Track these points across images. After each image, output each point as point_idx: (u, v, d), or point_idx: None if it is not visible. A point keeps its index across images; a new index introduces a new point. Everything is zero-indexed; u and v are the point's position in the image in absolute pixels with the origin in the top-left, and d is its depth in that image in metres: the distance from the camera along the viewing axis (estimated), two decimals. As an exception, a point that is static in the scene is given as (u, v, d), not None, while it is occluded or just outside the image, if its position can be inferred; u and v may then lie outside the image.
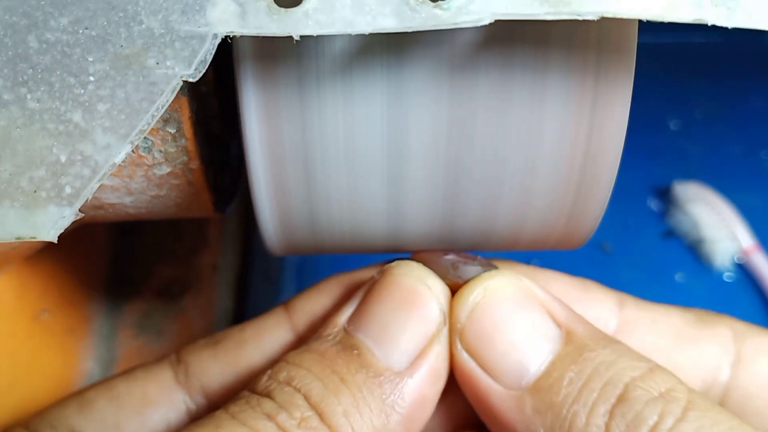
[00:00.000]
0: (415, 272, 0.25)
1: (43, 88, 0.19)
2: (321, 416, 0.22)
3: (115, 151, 0.19)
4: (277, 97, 0.22)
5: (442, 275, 0.25)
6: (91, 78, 0.19)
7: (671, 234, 0.57)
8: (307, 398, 0.22)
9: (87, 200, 0.19)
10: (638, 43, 0.22)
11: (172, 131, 0.24)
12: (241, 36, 0.18)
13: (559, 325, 0.24)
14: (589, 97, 0.22)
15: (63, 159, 0.19)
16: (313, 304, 0.27)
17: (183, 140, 0.24)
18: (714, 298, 0.54)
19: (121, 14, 0.19)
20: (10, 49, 0.19)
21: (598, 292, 0.27)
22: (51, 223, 0.19)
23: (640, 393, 0.21)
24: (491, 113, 0.22)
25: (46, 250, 0.33)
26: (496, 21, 0.18)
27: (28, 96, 0.19)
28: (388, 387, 0.23)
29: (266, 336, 0.27)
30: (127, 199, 0.26)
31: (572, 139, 0.23)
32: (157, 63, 0.19)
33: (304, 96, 0.22)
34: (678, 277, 0.55)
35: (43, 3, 0.19)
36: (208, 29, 0.18)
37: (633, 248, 0.56)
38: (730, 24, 0.18)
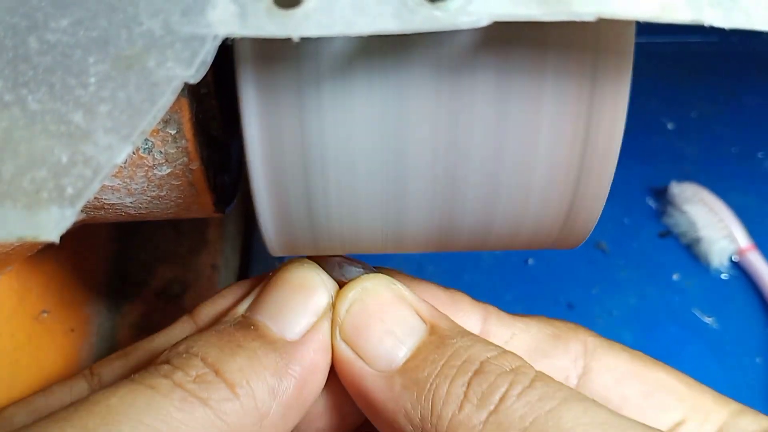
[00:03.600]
0: (306, 265, 0.28)
1: (44, 89, 0.19)
2: (217, 372, 0.24)
3: (116, 151, 0.19)
4: (277, 98, 0.22)
5: (329, 272, 0.28)
6: (92, 79, 0.19)
7: (668, 234, 0.57)
8: (203, 360, 0.24)
9: (88, 201, 0.19)
10: (635, 44, 0.22)
11: (173, 132, 0.24)
12: (241, 37, 0.19)
13: (424, 320, 0.27)
14: (586, 98, 0.22)
15: (64, 160, 0.19)
16: (216, 307, 0.30)
17: (183, 141, 0.24)
18: (711, 297, 0.55)
19: (122, 15, 0.19)
20: (11, 51, 0.19)
21: (465, 304, 0.30)
22: (53, 224, 0.19)
23: (494, 368, 0.24)
24: (490, 113, 0.22)
25: (46, 250, 0.33)
26: (495, 22, 0.18)
27: (30, 97, 0.19)
28: (281, 352, 0.25)
29: (173, 342, 0.27)
30: (128, 200, 0.26)
31: (570, 140, 0.23)
32: (158, 64, 0.19)
33: (303, 97, 0.22)
34: (675, 276, 0.55)
35: (43, 4, 0.19)
36: (209, 30, 0.18)
37: (630, 248, 0.57)
38: (727, 25, 0.18)
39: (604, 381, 0.28)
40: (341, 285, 0.28)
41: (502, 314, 0.30)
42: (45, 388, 0.29)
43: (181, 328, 0.29)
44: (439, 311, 0.28)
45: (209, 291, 0.42)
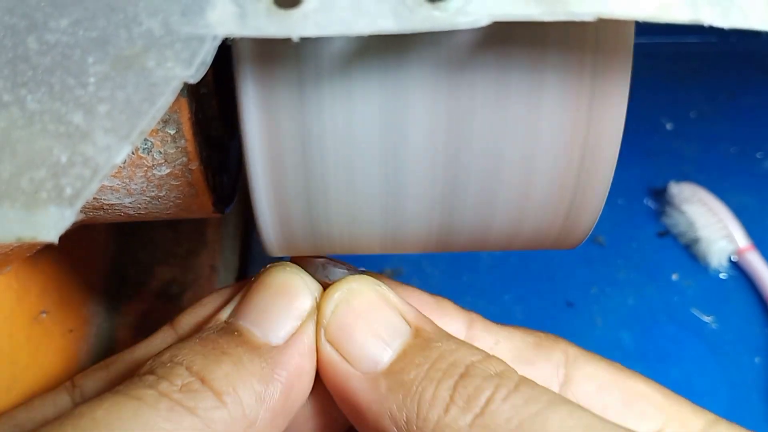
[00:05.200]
0: (289, 268, 0.28)
1: (43, 90, 0.19)
2: (203, 381, 0.24)
3: (115, 152, 0.19)
4: (276, 98, 0.22)
5: (313, 273, 0.28)
6: (92, 79, 0.19)
7: (667, 233, 0.57)
8: (188, 368, 0.24)
9: (87, 201, 0.19)
10: (634, 44, 0.22)
11: (172, 132, 0.24)
12: (240, 37, 0.19)
13: (408, 323, 0.27)
14: (586, 98, 0.22)
15: (63, 160, 0.19)
16: (197, 316, 0.29)
17: (182, 141, 0.24)
18: (709, 297, 0.55)
19: (121, 16, 0.19)
20: (10, 51, 0.19)
21: (450, 310, 0.30)
22: (51, 224, 0.19)
23: (479, 371, 0.25)
24: (489, 113, 0.22)
25: (45, 251, 0.33)
26: (494, 22, 0.18)
27: (29, 97, 0.19)
28: (266, 357, 0.25)
29: (155, 352, 0.27)
30: (127, 200, 0.26)
31: (569, 139, 0.23)
32: (157, 64, 0.19)
33: (303, 97, 0.22)
34: (674, 276, 0.55)
35: (43, 4, 0.19)
36: (208, 30, 0.18)
37: (629, 248, 0.57)
38: (725, 24, 0.18)
39: (585, 389, 0.29)
40: (325, 287, 0.27)
41: (487, 322, 0.30)
42: (26, 402, 0.29)
43: (162, 338, 0.29)
44: (423, 315, 0.28)
45: (208, 292, 0.42)
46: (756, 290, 0.54)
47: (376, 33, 0.18)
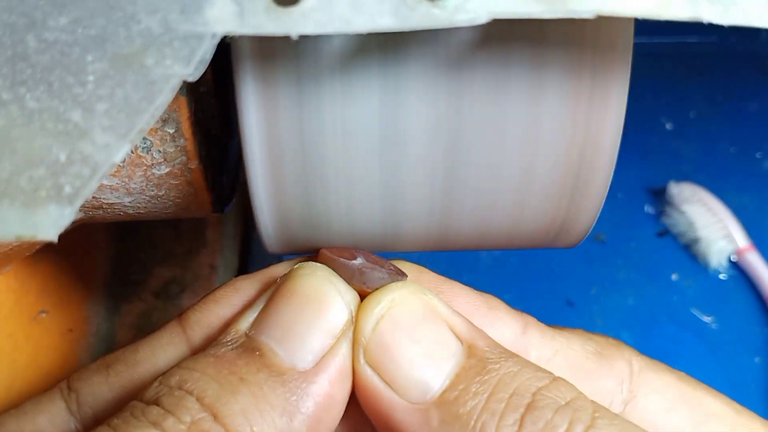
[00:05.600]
0: (320, 272, 0.24)
1: (42, 88, 0.19)
2: (215, 417, 0.20)
3: (114, 150, 0.19)
4: (275, 97, 0.22)
5: (348, 279, 0.24)
6: (90, 77, 0.19)
7: (667, 234, 0.57)
8: (199, 400, 0.21)
9: (86, 200, 0.19)
10: (634, 44, 0.22)
11: (171, 131, 0.24)
12: (239, 35, 0.19)
13: (460, 339, 0.23)
14: (585, 96, 0.22)
15: (62, 158, 0.19)
16: (209, 315, 0.26)
17: (182, 140, 0.24)
18: (709, 297, 0.55)
19: (120, 14, 0.19)
20: (9, 49, 0.19)
21: (502, 313, 0.27)
22: (51, 223, 0.19)
23: (549, 402, 0.21)
24: (488, 111, 0.22)
25: (44, 250, 0.33)
26: (493, 19, 0.18)
27: (28, 95, 0.19)
28: (292, 386, 0.22)
29: (160, 355, 0.25)
30: (126, 199, 0.26)
31: (568, 137, 0.23)
32: (156, 62, 0.19)
33: (302, 95, 0.22)
34: (674, 276, 0.55)
35: (41, 2, 0.19)
36: (207, 28, 0.18)
37: (629, 248, 0.57)
38: (725, 21, 0.18)
39: (653, 408, 0.26)
40: (362, 295, 0.24)
41: (542, 326, 0.27)
42: (17, 408, 0.25)
43: (168, 338, 0.26)
44: (476, 327, 0.24)
45: (207, 291, 0.42)
46: (755, 290, 0.54)
47: (375, 31, 0.18)
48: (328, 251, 0.25)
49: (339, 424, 0.24)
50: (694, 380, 0.27)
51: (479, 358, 0.23)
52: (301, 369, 0.22)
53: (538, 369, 0.23)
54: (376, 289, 0.24)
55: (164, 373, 0.22)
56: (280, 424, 0.21)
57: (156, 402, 0.21)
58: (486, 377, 0.22)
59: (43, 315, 0.35)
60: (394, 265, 0.25)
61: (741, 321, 0.54)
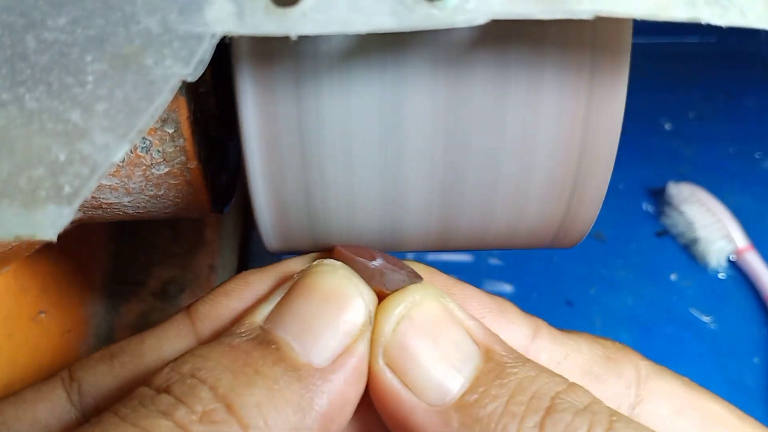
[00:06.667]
0: (341, 270, 0.24)
1: (41, 88, 0.19)
2: (228, 408, 0.20)
3: (113, 150, 0.19)
4: (274, 97, 0.22)
5: (367, 280, 0.24)
6: (90, 78, 0.19)
7: (666, 234, 0.57)
8: (213, 389, 0.20)
9: (86, 200, 0.19)
10: (632, 44, 0.22)
11: (170, 131, 0.24)
12: (238, 36, 0.19)
13: (477, 343, 0.23)
14: (584, 95, 0.22)
15: (62, 158, 0.19)
16: (219, 308, 0.25)
17: (181, 140, 0.24)
18: (708, 297, 0.55)
19: (119, 14, 0.19)
20: (8, 49, 0.19)
21: (514, 316, 0.27)
22: (50, 223, 0.19)
23: (568, 405, 0.22)
24: (488, 109, 0.22)
25: (43, 250, 0.33)
26: (492, 20, 0.18)
27: (27, 96, 0.19)
28: (307, 382, 0.21)
29: (167, 347, 0.25)
30: (126, 199, 0.26)
31: (567, 137, 0.23)
32: (156, 62, 0.19)
33: (301, 94, 0.22)
34: (673, 276, 0.55)
35: (40, 3, 0.19)
36: (206, 29, 0.18)
37: (628, 248, 0.57)
38: (723, 23, 0.18)
39: (660, 412, 0.26)
40: (380, 296, 0.24)
41: (552, 329, 0.27)
42: (16, 395, 0.25)
43: (176, 331, 0.25)
44: (491, 331, 0.24)
45: (207, 291, 0.42)
46: (755, 290, 0.54)
47: (374, 31, 0.18)
48: (345, 249, 0.25)
49: (347, 424, 0.23)
50: (698, 386, 0.27)
51: (497, 362, 0.23)
52: (317, 366, 0.22)
53: (554, 374, 0.23)
54: (394, 290, 0.24)
55: (175, 360, 0.22)
56: (293, 420, 0.21)
57: (166, 390, 0.20)
58: (505, 381, 0.22)
59: (42, 315, 0.35)
60: (410, 267, 0.25)
61: (740, 321, 0.54)
